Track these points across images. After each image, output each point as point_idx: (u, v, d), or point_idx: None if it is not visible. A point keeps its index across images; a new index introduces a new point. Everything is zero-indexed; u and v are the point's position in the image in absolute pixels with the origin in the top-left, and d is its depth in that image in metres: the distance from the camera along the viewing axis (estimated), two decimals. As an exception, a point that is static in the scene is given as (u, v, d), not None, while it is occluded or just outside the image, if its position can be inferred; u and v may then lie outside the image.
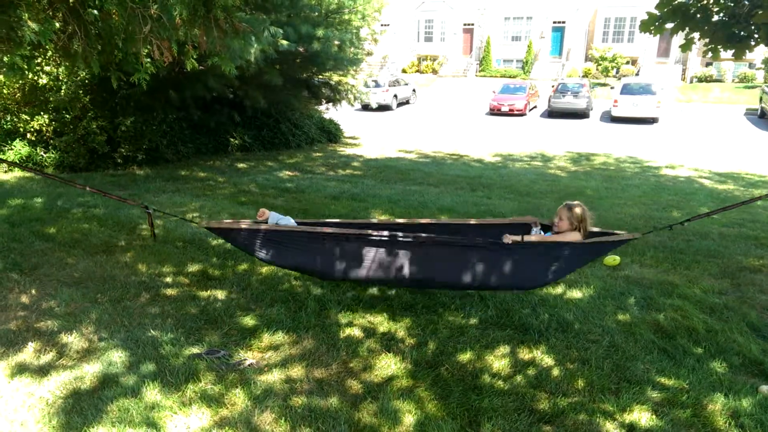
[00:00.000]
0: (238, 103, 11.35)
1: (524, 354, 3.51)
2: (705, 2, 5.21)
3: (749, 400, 3.03)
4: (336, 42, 10.86)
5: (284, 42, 8.95)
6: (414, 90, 28.40)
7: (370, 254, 3.58)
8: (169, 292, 4.27)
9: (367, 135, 16.41)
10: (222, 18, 2.99)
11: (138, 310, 3.94)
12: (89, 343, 3.46)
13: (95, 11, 2.82)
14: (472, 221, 4.26)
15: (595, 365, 3.37)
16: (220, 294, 4.24)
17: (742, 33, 5.58)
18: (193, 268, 4.77)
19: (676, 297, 4.46)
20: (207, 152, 11.13)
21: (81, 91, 9.02)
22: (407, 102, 27.44)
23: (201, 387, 2.99)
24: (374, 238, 3.54)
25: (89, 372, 3.12)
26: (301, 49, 10.35)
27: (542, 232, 3.91)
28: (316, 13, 11.11)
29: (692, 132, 18.68)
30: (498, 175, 10.30)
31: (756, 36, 5.51)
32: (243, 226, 3.63)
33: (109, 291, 4.24)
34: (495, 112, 23.64)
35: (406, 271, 3.59)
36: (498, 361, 3.41)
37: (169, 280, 4.52)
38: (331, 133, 14.55)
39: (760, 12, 4.80)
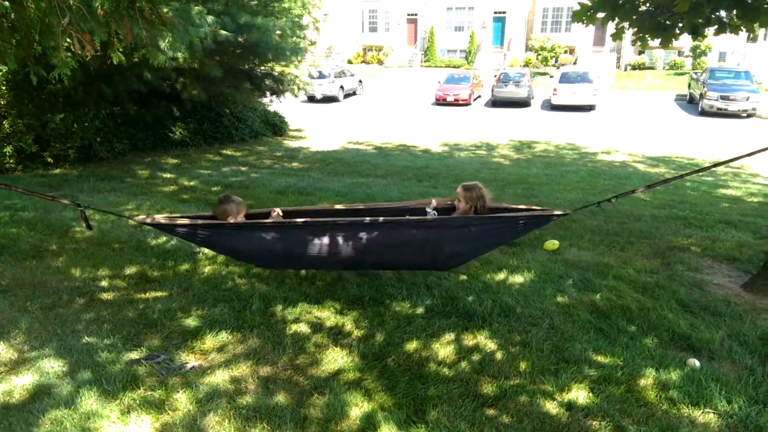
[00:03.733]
0: (177, 96, 10.96)
1: (469, 340, 3.58)
2: (631, -7, 5.43)
3: (677, 372, 3.22)
4: (277, 31, 10.63)
5: (222, 32, 8.71)
6: (360, 81, 28.29)
7: (308, 240, 3.69)
8: (105, 296, 4.10)
9: (314, 127, 16.25)
10: (147, 9, 2.85)
11: (72, 317, 3.76)
12: (19, 354, 3.28)
13: (6, 2, 2.62)
14: (384, 204, 4.55)
15: (535, 347, 3.48)
16: (160, 296, 4.11)
17: (667, 22, 5.85)
18: (130, 270, 4.59)
19: (612, 278, 4.66)
20: (145, 148, 10.71)
21: (3, 87, 8.45)
22: (354, 93, 27.31)
23: (141, 393, 2.89)
24: (313, 225, 3.66)
25: (18, 384, 2.95)
26: (240, 39, 10.09)
27: (435, 214, 4.05)
28: (255, 2, 10.84)
29: (627, 118, 19.52)
30: (444, 165, 10.43)
31: (680, 24, 5.79)
32: (180, 222, 3.56)
33: (40, 298, 4.02)
34: (441, 102, 23.90)
35: (343, 254, 3.75)
36: (443, 348, 3.46)
37: (104, 284, 4.33)
38: (276, 125, 14.30)
39: (681, 1, 5.04)
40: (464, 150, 12.56)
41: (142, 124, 10.74)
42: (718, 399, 2.95)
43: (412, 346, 3.48)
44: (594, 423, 2.73)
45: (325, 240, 3.67)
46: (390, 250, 3.78)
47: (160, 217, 3.70)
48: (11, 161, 8.39)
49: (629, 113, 20.81)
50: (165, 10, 2.99)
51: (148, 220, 3.61)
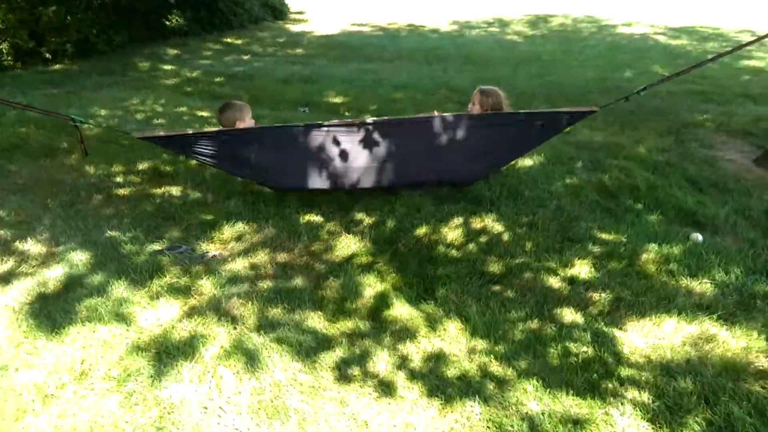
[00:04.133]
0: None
1: (476, 223, 3.68)
2: None
3: (680, 247, 3.31)
4: None
5: None
6: (363, -46, 26.19)
7: (333, 151, 3.53)
8: (122, 192, 4.20)
9: (316, 9, 15.40)
10: None
11: (92, 213, 3.89)
12: (47, 248, 3.45)
13: None
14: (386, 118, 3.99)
15: (542, 228, 3.57)
16: (175, 190, 4.20)
17: None
18: (143, 165, 4.66)
19: (622, 158, 4.65)
20: (143, 39, 10.33)
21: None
22: (357, -32, 25.42)
23: (167, 281, 3.07)
24: (325, 130, 3.48)
25: (51, 277, 3.15)
26: None
27: None
28: None
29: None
30: (454, 45, 9.99)
31: None
32: (181, 133, 3.52)
33: (59, 195, 4.14)
34: (450, -26, 22.21)
35: (377, 162, 3.58)
36: (452, 232, 3.57)
37: (119, 179, 4.42)
38: (276, 9, 13.58)
39: None
40: (476, 28, 11.94)
41: (137, 14, 10.25)
42: (717, 270, 3.07)
43: (421, 231, 3.59)
44: (594, 295, 2.88)
45: (355, 145, 3.51)
46: (429, 155, 3.59)
47: (157, 133, 3.64)
48: (9, 58, 8.18)
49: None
50: None
51: (148, 135, 3.55)
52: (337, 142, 3.54)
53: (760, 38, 3.53)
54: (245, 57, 9.40)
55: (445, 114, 3.59)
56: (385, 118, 3.66)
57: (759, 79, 7.04)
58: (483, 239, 3.50)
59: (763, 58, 8.17)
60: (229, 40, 11.00)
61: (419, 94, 6.81)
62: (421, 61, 8.70)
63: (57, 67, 8.57)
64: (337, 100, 6.68)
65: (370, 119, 3.59)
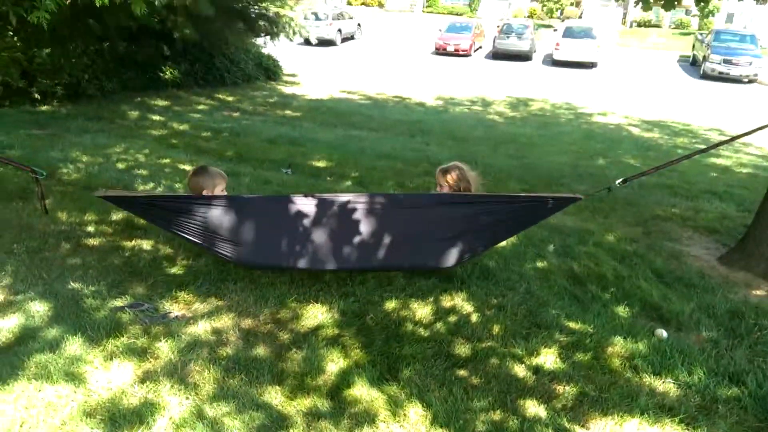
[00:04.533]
0: (167, 34, 10.61)
1: (446, 302, 3.68)
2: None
3: (645, 343, 3.34)
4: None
5: (215, -31, 8.36)
6: (359, 24, 27.49)
7: (304, 225, 3.33)
8: (92, 242, 4.13)
9: (309, 72, 15.91)
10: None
11: (58, 262, 3.81)
12: (5, 296, 3.34)
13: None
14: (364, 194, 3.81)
15: (510, 311, 3.59)
16: (146, 244, 4.15)
17: (671, -14, 5.71)
18: (117, 216, 4.61)
19: (591, 245, 4.75)
20: (135, 88, 10.48)
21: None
22: (352, 37, 26.59)
23: (124, 341, 2.98)
24: (297, 204, 3.32)
25: (4, 327, 3.03)
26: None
27: None
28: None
29: (627, 77, 19.25)
30: (438, 120, 10.34)
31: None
32: (142, 195, 3.46)
33: (26, 241, 4.05)
34: (441, 51, 23.37)
35: (350, 242, 3.36)
36: (421, 309, 3.56)
37: (91, 229, 4.36)
38: (270, 69, 13.99)
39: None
40: (460, 105, 12.42)
41: (132, 63, 10.46)
42: (680, 370, 3.08)
43: (391, 305, 3.58)
44: (558, 387, 2.87)
45: (328, 221, 3.33)
46: (406, 239, 3.42)
47: (124, 192, 3.56)
48: (-3, 96, 8.22)
49: (630, 72, 20.50)
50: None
51: (111, 194, 3.47)
52: (300, 218, 3.35)
53: (733, 138, 3.74)
54: (235, 114, 9.58)
55: (420, 193, 3.63)
56: (349, 195, 3.50)
57: (725, 177, 7.38)
58: (452, 319, 3.49)
59: (729, 156, 8.62)
60: (221, 96, 11.23)
61: (400, 164, 6.97)
62: (405, 133, 8.97)
63: (45, 108, 8.61)
64: (321, 164, 6.79)
65: (327, 195, 3.47)
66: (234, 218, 3.34)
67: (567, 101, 13.67)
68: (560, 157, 7.91)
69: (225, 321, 3.26)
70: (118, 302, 3.35)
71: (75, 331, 3.00)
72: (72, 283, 3.51)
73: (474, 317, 3.52)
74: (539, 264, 4.35)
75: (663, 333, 3.48)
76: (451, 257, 3.50)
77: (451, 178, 3.68)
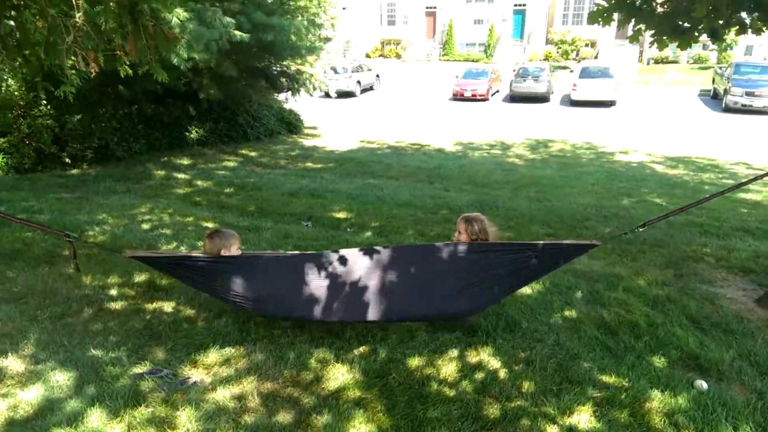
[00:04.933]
0: (193, 95, 11.04)
1: (472, 357, 3.55)
2: (648, -4, 5.30)
3: (684, 396, 3.15)
4: (292, 30, 10.63)
5: (237, 33, 8.71)
6: (378, 75, 28.18)
7: (320, 283, 3.42)
8: (114, 306, 4.16)
9: (329, 125, 16.26)
10: (150, 26, 2.86)
11: (80, 327, 3.82)
12: (26, 366, 3.34)
13: (11, 22, 2.64)
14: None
15: (539, 366, 3.44)
16: (167, 306, 4.15)
17: (685, 24, 5.70)
18: (140, 278, 4.65)
19: (621, 290, 4.59)
20: (161, 148, 10.83)
21: (22, 89, 8.60)
22: (371, 88, 27.23)
23: (143, 411, 2.93)
24: (321, 261, 3.44)
25: (24, 399, 3.02)
26: (255, 39, 10.10)
27: None
28: (271, 0, 10.84)
29: (648, 114, 19.14)
30: (457, 166, 10.36)
31: (699, 27, 5.64)
32: (169, 254, 3.55)
33: (50, 307, 4.10)
34: (458, 97, 23.71)
35: (370, 302, 3.41)
36: (446, 366, 3.44)
37: (114, 292, 4.39)
38: (292, 124, 14.34)
39: (699, 6, 4.91)
40: (478, 149, 12.46)
41: (158, 124, 10.85)
42: (724, 425, 2.89)
43: (414, 362, 3.47)
44: (594, 450, 2.69)
45: (344, 274, 3.40)
46: (424, 289, 3.46)
47: (150, 252, 3.73)
48: (28, 162, 8.55)
49: (650, 109, 20.40)
50: (171, 25, 2.99)
51: (138, 254, 3.62)
52: (321, 273, 3.45)
53: (764, 175, 3.65)
54: (257, 169, 9.77)
55: (436, 243, 3.63)
56: (363, 249, 3.57)
57: (757, 213, 7.14)
58: (478, 376, 3.36)
59: (759, 191, 8.36)
60: (244, 151, 11.50)
61: (420, 212, 6.94)
62: (424, 180, 8.99)
63: (75, 171, 8.92)
64: (341, 215, 6.81)
65: (343, 251, 3.54)
66: (253, 275, 3.47)
67: (587, 141, 13.59)
68: (583, 198, 7.79)
69: (245, 385, 3.19)
70: (138, 369, 3.32)
71: (94, 402, 2.97)
72: (93, 350, 3.50)
73: (502, 373, 3.38)
74: (567, 313, 4.20)
75: (703, 384, 3.28)
76: (470, 305, 3.53)
77: (471, 228, 3.64)
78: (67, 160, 8.92)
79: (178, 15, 5.49)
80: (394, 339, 3.72)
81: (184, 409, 2.93)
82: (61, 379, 3.19)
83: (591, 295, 4.52)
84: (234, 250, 3.63)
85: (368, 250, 3.51)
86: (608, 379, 3.33)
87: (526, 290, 4.58)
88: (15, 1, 2.59)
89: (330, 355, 3.54)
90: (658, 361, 3.54)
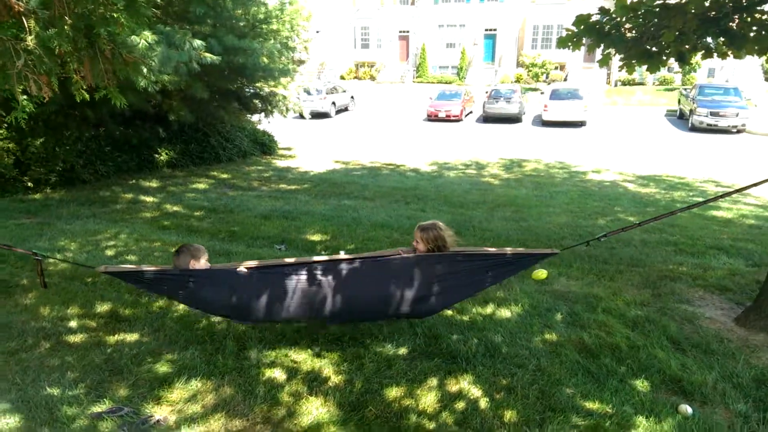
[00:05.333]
0: (162, 117, 10.82)
1: (452, 386, 3.42)
2: (618, 20, 5.36)
3: (670, 421, 3.07)
4: (264, 52, 10.55)
5: (208, 56, 8.57)
6: (352, 97, 28.28)
7: (288, 287, 3.44)
8: (73, 338, 3.91)
9: (304, 145, 16.13)
10: (108, 49, 2.71)
11: (35, 363, 3.57)
12: (-28, 408, 3.08)
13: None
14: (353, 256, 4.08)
15: (521, 394, 3.32)
16: (130, 338, 3.92)
17: (653, 49, 5.79)
18: (102, 308, 4.41)
19: (601, 311, 4.53)
20: (129, 170, 10.53)
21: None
22: (346, 109, 27.28)
23: (99, 454, 2.71)
24: (290, 270, 3.46)
25: (-32, 446, 2.77)
26: (226, 62, 9.98)
27: None
28: (243, 23, 10.77)
29: (617, 134, 19.55)
30: (433, 186, 10.32)
31: (667, 52, 5.73)
32: (144, 269, 3.37)
33: (3, 342, 3.83)
34: (432, 117, 23.89)
35: (326, 303, 3.49)
36: (425, 396, 3.30)
37: (73, 324, 4.14)
38: (265, 145, 14.17)
39: (667, 32, 4.98)
40: (454, 169, 12.47)
41: (126, 146, 10.57)
42: (712, 452, 2.80)
43: (392, 393, 3.32)
44: (581, 484, 2.57)
45: (302, 283, 3.45)
46: (373, 293, 3.58)
47: (120, 267, 3.60)
48: (-11, 186, 8.21)
49: (620, 129, 20.85)
50: (130, 48, 2.85)
51: (111, 270, 3.45)
52: (300, 281, 3.48)
53: (737, 190, 3.69)
54: (229, 192, 9.56)
55: (392, 255, 3.60)
56: (326, 258, 3.72)
57: (729, 231, 7.23)
58: (459, 406, 3.22)
59: (729, 208, 8.50)
60: (216, 173, 11.27)
61: (397, 233, 6.83)
62: (400, 200, 8.90)
63: (38, 196, 8.57)
64: (315, 237, 6.65)
65: (316, 258, 3.68)
66: (226, 286, 3.46)
67: (560, 160, 13.75)
68: (559, 217, 7.80)
69: (212, 423, 3.00)
70: (97, 408, 3.09)
71: (46, 447, 2.73)
72: (48, 388, 3.26)
73: (483, 402, 3.25)
74: (548, 336, 4.11)
75: (688, 409, 3.21)
76: (426, 309, 3.64)
77: (427, 236, 3.58)
78: (30, 184, 8.58)
79: (145, 38, 5.34)
80: (371, 368, 3.57)
81: (145, 452, 2.72)
82: (12, 422, 2.94)
83: (570, 316, 4.44)
84: (203, 263, 3.50)
85: (330, 259, 3.62)
86: (592, 405, 3.24)
87: (506, 312, 4.49)
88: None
89: (303, 387, 3.37)
90: (642, 385, 3.46)
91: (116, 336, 3.95)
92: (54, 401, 3.13)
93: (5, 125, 8.28)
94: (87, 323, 4.16)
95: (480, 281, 3.65)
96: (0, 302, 4.51)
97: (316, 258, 3.69)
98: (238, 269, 3.43)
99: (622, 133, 19.84)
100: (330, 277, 3.47)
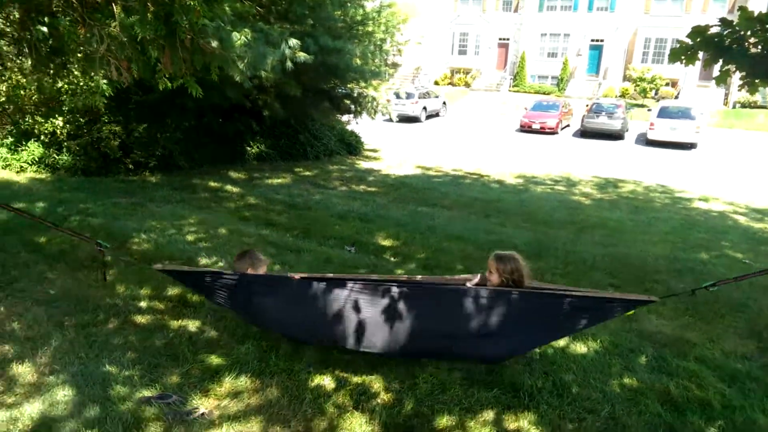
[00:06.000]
0: (257, 112, 11.21)
1: (510, 423, 3.13)
2: (742, 33, 4.74)
3: (766, 504, 2.59)
4: (357, 54, 10.62)
5: (301, 55, 8.74)
6: (444, 102, 28.05)
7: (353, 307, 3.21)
8: (140, 319, 4.03)
9: (390, 148, 16.13)
10: (188, 39, 2.73)
11: (101, 339, 3.71)
12: (38, 376, 3.23)
13: (44, 28, 2.59)
14: (418, 277, 3.87)
15: (588, 443, 2.97)
16: (192, 325, 3.98)
17: (783, 67, 5.09)
18: (172, 291, 4.53)
19: (693, 359, 4.00)
20: (222, 161, 11.01)
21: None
22: (437, 114, 27.10)
23: (140, 441, 2.72)
24: (343, 287, 3.22)
25: (27, 413, 2.88)
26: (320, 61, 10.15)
27: None
28: (340, 24, 10.91)
29: (732, 161, 17.80)
30: (517, 200, 9.86)
31: (800, 70, 5.02)
32: (196, 270, 3.41)
33: (78, 314, 4.03)
34: (525, 129, 23.08)
35: (378, 331, 3.23)
36: (478, 429, 3.04)
37: (143, 304, 4.28)
38: (352, 145, 14.31)
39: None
40: (542, 184, 11.87)
41: (222, 138, 11.06)
42: None
43: (442, 421, 3.09)
44: None
45: (368, 306, 3.20)
46: (434, 326, 3.24)
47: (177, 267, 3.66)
48: (94, 165, 8.86)
49: (735, 155, 18.98)
50: (208, 39, 2.86)
51: (168, 268, 3.51)
52: (354, 303, 3.24)
53: None
54: (310, 188, 9.69)
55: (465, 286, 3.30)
56: (388, 279, 3.50)
57: None
58: (514, 446, 2.93)
59: None
60: (300, 169, 11.51)
61: (471, 247, 6.53)
62: (480, 212, 8.56)
63: (136, 177, 9.16)
64: (386, 242, 6.52)
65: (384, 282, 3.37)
66: (279, 296, 3.35)
67: (662, 184, 12.67)
68: (655, 247, 7.11)
69: (252, 425, 2.92)
70: (147, 392, 3.13)
71: (93, 425, 2.79)
72: (107, 366, 3.36)
73: (542, 447, 2.93)
74: (627, 380, 3.67)
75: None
76: (494, 352, 3.29)
77: (504, 268, 3.26)
78: (131, 166, 9.19)
79: (246, 34, 5.46)
80: (424, 389, 3.35)
81: (183, 447, 2.69)
82: (68, 395, 3.04)
83: (656, 361, 3.96)
84: (260, 273, 3.46)
85: (393, 282, 3.34)
86: (671, 469, 2.81)
87: (581, 348, 4.09)
88: (53, 8, 2.53)
89: (350, 400, 3.22)
90: (735, 455, 2.97)
91: (180, 321, 4.02)
92: (109, 379, 3.21)
93: (114, 109, 8.91)
94: (156, 305, 4.29)
95: (558, 327, 3.25)
96: (83, 276, 4.77)
97: (374, 277, 3.51)
98: (289, 275, 3.35)
99: (738, 160, 18.03)
100: (386, 302, 3.17)
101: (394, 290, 3.18)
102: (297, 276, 3.37)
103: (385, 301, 3.17)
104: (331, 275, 3.59)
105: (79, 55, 2.75)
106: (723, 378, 3.77)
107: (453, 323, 3.18)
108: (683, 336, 4.38)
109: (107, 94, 3.11)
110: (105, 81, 3.07)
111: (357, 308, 3.19)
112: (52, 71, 3.09)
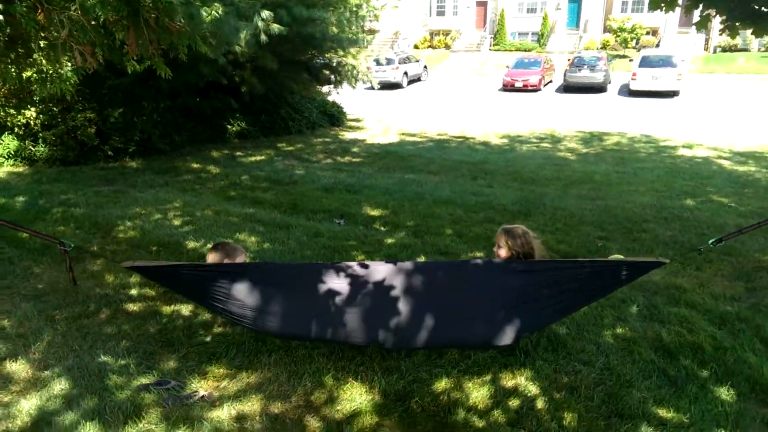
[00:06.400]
0: (235, 88, 10.96)
1: (507, 381, 3.17)
2: (721, -25, 4.68)
3: (758, 439, 2.67)
4: (333, 21, 10.35)
5: (275, 26, 8.51)
6: (425, 66, 27.68)
7: (335, 291, 2.96)
8: (131, 307, 4.00)
9: (373, 116, 15.94)
10: (152, 18, 2.60)
11: (94, 330, 3.68)
12: (33, 372, 3.21)
13: (0, 17, 2.45)
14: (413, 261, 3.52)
15: (584, 395, 3.02)
16: (185, 309, 3.95)
17: (763, 9, 5.03)
18: (162, 277, 4.48)
19: (683, 305, 4.06)
20: (202, 140, 10.81)
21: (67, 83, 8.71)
22: (418, 79, 26.77)
23: (141, 428, 2.72)
24: (329, 272, 3.01)
25: (24, 409, 2.86)
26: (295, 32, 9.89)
27: None
28: (313, -9, 10.60)
29: (715, 106, 17.83)
30: (503, 160, 9.83)
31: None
32: (167, 264, 3.27)
33: (68, 306, 3.98)
34: (508, 87, 22.91)
35: (385, 316, 2.93)
36: (476, 390, 3.07)
37: (134, 292, 4.24)
38: (334, 116, 14.11)
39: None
40: (527, 143, 11.83)
41: (200, 117, 10.84)
42: (812, 483, 2.39)
43: (441, 384, 3.12)
44: (647, 507, 2.27)
45: (362, 294, 2.95)
46: (456, 309, 2.97)
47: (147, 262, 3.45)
48: (72, 154, 8.67)
49: (718, 100, 19.00)
50: (172, 16, 2.72)
51: (137, 264, 3.25)
52: (331, 287, 3.00)
53: None
54: (294, 162, 9.58)
55: (471, 260, 3.23)
56: (385, 261, 3.17)
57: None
58: (513, 403, 2.97)
59: None
60: (282, 144, 11.36)
61: (460, 210, 6.52)
62: (467, 175, 8.53)
63: (116, 164, 8.98)
64: (375, 212, 6.49)
65: (360, 264, 3.11)
66: (259, 286, 3.02)
67: (647, 134, 12.69)
68: (641, 197, 7.15)
69: (252, 404, 2.93)
70: (144, 379, 3.12)
71: (93, 416, 2.78)
72: (102, 356, 3.34)
73: (540, 402, 2.98)
74: (620, 330, 3.73)
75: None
76: (507, 334, 2.93)
77: (513, 242, 3.15)
78: (110, 152, 8.99)
79: (216, 9, 5.27)
80: (421, 356, 3.38)
81: (184, 429, 2.70)
82: (65, 388, 3.03)
83: (648, 309, 4.01)
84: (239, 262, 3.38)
85: (391, 265, 3.05)
86: (666, 413, 2.88)
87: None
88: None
89: (348, 371, 3.23)
90: (726, 394, 3.04)
91: (172, 306, 3.99)
92: (105, 370, 3.20)
93: (88, 95, 8.67)
94: (147, 292, 4.25)
95: (572, 300, 3.06)
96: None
97: (367, 263, 3.11)
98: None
99: (720, 105, 18.07)
100: (392, 284, 2.91)
101: (399, 271, 2.97)
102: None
103: (387, 286, 2.96)
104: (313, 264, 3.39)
105: (41, 42, 2.62)
106: (713, 321, 3.84)
107: (460, 305, 2.97)
108: (673, 282, 4.44)
109: (73, 81, 2.99)
110: (69, 68, 2.93)
111: (354, 294, 2.97)
112: (13, 61, 2.96)
